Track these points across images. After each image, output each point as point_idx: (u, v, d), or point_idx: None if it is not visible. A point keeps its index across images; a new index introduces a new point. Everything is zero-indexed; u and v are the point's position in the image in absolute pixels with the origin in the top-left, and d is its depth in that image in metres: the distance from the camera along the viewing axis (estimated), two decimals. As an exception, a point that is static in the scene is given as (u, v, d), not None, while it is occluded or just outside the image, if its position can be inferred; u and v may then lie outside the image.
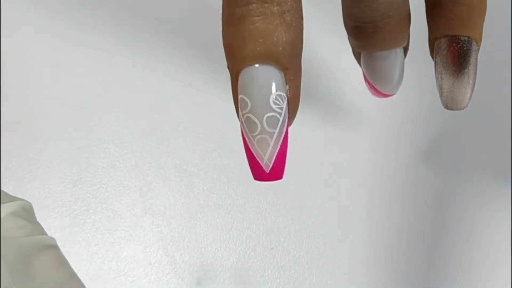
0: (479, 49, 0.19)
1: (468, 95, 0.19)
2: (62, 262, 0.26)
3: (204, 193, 0.38)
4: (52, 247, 0.26)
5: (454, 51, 0.19)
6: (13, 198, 0.27)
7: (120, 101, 0.40)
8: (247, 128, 0.16)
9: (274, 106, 0.16)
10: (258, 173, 0.16)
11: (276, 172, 0.16)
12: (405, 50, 0.21)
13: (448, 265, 0.37)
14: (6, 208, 0.26)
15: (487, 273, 0.37)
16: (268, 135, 0.16)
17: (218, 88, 0.40)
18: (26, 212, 0.27)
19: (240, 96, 0.16)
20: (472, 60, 0.19)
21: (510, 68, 0.41)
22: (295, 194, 0.38)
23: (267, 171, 0.16)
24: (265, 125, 0.16)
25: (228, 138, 0.39)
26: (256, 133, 0.16)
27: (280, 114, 0.16)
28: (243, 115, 0.16)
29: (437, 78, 0.19)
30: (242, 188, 0.38)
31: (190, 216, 0.37)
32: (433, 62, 0.20)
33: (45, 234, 0.27)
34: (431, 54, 0.20)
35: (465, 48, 0.18)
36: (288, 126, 0.16)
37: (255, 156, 0.16)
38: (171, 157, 0.39)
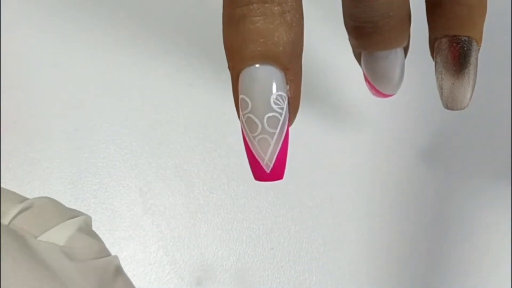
0: (479, 49, 0.19)
1: (468, 95, 0.19)
2: (131, 284, 0.26)
3: (204, 193, 0.38)
4: (120, 268, 0.26)
5: (455, 51, 0.19)
6: (76, 213, 0.26)
7: (120, 101, 0.40)
8: (248, 128, 0.16)
9: (274, 106, 0.16)
10: (259, 173, 0.16)
11: (276, 172, 0.16)
12: (406, 50, 0.21)
13: (448, 265, 0.37)
14: (72, 225, 0.24)
15: (487, 273, 0.37)
16: (269, 135, 0.16)
17: (218, 88, 0.40)
18: (89, 227, 0.26)
19: (240, 96, 0.16)
20: (472, 60, 0.19)
21: (510, 68, 0.41)
22: (295, 194, 0.38)
23: (267, 171, 0.16)
24: (265, 125, 0.16)
25: (228, 138, 0.39)
26: (256, 133, 0.16)
27: (280, 114, 0.16)
28: (243, 115, 0.16)
29: (437, 78, 0.19)
30: (242, 188, 0.38)
31: (190, 216, 0.37)
32: (433, 62, 0.20)
33: (110, 253, 0.26)
34: (432, 54, 0.20)
35: (465, 48, 0.18)
36: (288, 126, 0.16)
37: (256, 156, 0.16)
38: (171, 157, 0.39)
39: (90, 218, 0.27)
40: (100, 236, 0.36)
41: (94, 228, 0.37)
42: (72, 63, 0.41)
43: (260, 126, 0.16)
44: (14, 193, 0.25)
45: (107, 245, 0.36)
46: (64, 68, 0.40)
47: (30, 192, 0.37)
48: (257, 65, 0.16)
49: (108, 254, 0.26)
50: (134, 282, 0.36)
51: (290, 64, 0.16)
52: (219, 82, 0.40)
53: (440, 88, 0.19)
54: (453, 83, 0.19)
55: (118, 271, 0.25)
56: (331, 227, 0.38)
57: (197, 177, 0.38)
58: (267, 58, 0.16)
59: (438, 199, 0.39)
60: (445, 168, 0.40)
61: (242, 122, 0.16)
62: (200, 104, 0.40)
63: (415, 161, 0.40)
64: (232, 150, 0.39)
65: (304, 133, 0.39)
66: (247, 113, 0.16)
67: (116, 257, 0.26)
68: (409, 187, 0.39)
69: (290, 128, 0.17)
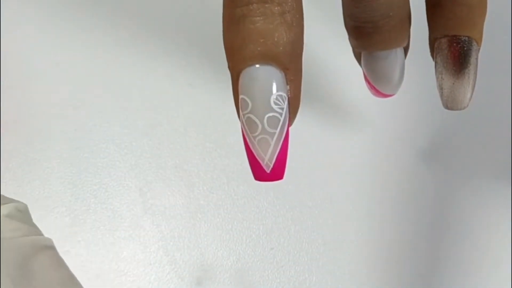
0: (479, 49, 0.19)
1: (468, 95, 0.19)
2: (60, 263, 0.26)
3: (204, 193, 0.38)
4: (49, 248, 0.26)
5: (455, 51, 0.19)
6: (8, 200, 0.27)
7: (120, 101, 0.40)
8: (248, 128, 0.16)
9: (274, 106, 0.16)
10: (259, 173, 0.16)
11: (276, 172, 0.16)
12: (406, 50, 0.21)
13: (448, 265, 0.37)
14: (2, 210, 0.25)
15: (487, 273, 0.37)
16: (269, 135, 0.16)
17: (218, 88, 0.40)
18: (21, 214, 0.27)
19: (241, 96, 0.16)
20: (472, 60, 0.19)
21: (510, 68, 0.41)
22: (295, 194, 0.38)
23: (267, 171, 0.16)
24: (266, 125, 0.16)
25: (228, 138, 0.39)
26: (257, 133, 0.16)
27: (281, 114, 0.16)
28: (243, 115, 0.16)
29: (437, 78, 0.19)
30: (242, 188, 0.38)
31: (190, 216, 0.37)
32: (433, 62, 0.20)
33: (42, 235, 0.27)
34: (431, 54, 0.20)
35: (465, 48, 0.18)
36: (289, 126, 0.16)
37: (256, 156, 0.16)
38: (171, 157, 0.39)
39: (24, 205, 0.27)
40: (100, 236, 0.36)
41: (94, 228, 0.37)
42: (72, 63, 0.41)
43: (260, 126, 0.16)
44: None
45: (107, 245, 0.36)
46: (64, 68, 0.40)
47: (30, 192, 0.37)
48: (257, 65, 0.16)
49: (38, 235, 0.26)
50: (134, 282, 0.36)
51: (290, 64, 0.16)
52: (219, 82, 0.40)
53: (440, 88, 0.19)
54: (453, 83, 0.19)
55: (45, 249, 0.25)
56: (331, 227, 0.38)
57: (197, 177, 0.38)
58: (267, 58, 0.16)
59: (438, 199, 0.39)
60: (445, 168, 0.40)
61: (242, 122, 0.16)
62: (200, 104, 0.40)
63: (415, 161, 0.40)
64: (232, 150, 0.39)
65: (304, 133, 0.39)
66: (247, 113, 0.16)
67: (48, 239, 0.26)
68: (409, 187, 0.39)
69: (290, 128, 0.17)
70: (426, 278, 0.37)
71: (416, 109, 0.41)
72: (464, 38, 0.18)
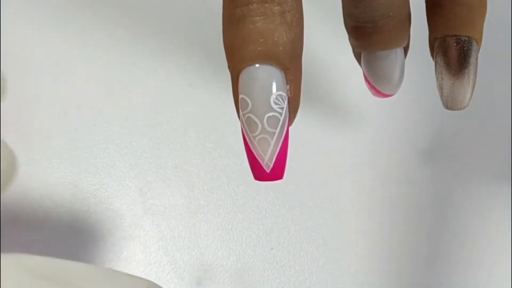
0: (479, 49, 0.19)
1: (468, 95, 0.19)
2: None
3: (204, 193, 0.38)
4: None
5: (455, 51, 0.19)
6: (138, 281, 0.23)
7: (120, 101, 0.40)
8: (248, 128, 0.16)
9: (274, 106, 0.16)
10: (259, 173, 0.16)
11: (276, 172, 0.16)
12: (405, 50, 0.21)
13: (448, 265, 0.37)
14: None
15: (487, 273, 0.37)
16: (269, 135, 0.16)
17: (218, 88, 0.40)
18: None
19: (240, 96, 0.16)
20: (472, 60, 0.19)
21: (510, 68, 0.41)
22: (295, 194, 0.38)
23: (267, 171, 0.16)
24: (265, 125, 0.16)
25: (228, 138, 0.39)
26: (256, 133, 0.16)
27: (280, 114, 0.16)
28: (243, 115, 0.16)
29: (437, 78, 0.20)
30: (242, 188, 0.38)
31: (190, 216, 0.37)
32: (433, 62, 0.20)
33: None
34: (431, 54, 0.20)
35: (465, 48, 0.19)
36: (288, 126, 0.16)
37: (256, 156, 0.16)
38: (171, 157, 0.39)
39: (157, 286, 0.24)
40: (100, 236, 0.36)
41: (93, 228, 0.37)
42: (72, 63, 0.41)
43: (260, 126, 0.16)
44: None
45: (107, 245, 0.36)
46: (64, 68, 0.40)
47: (31, 192, 0.37)
48: (257, 65, 0.16)
49: None
50: (134, 282, 0.36)
51: (290, 64, 0.16)
52: (219, 82, 0.40)
53: (440, 88, 0.20)
54: (453, 83, 0.19)
55: None
56: (331, 227, 0.38)
57: (197, 177, 0.38)
58: (267, 58, 0.16)
59: (438, 199, 0.39)
60: (445, 168, 0.40)
61: (242, 122, 0.16)
62: (200, 104, 0.40)
63: (415, 161, 0.40)
64: (232, 150, 0.39)
65: (304, 133, 0.39)
66: (247, 113, 0.16)
67: None
68: (409, 187, 0.39)
69: (290, 128, 0.17)
70: (426, 278, 0.37)
71: (416, 109, 0.41)
72: (464, 38, 0.19)
